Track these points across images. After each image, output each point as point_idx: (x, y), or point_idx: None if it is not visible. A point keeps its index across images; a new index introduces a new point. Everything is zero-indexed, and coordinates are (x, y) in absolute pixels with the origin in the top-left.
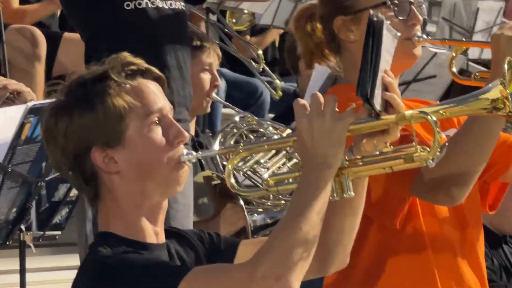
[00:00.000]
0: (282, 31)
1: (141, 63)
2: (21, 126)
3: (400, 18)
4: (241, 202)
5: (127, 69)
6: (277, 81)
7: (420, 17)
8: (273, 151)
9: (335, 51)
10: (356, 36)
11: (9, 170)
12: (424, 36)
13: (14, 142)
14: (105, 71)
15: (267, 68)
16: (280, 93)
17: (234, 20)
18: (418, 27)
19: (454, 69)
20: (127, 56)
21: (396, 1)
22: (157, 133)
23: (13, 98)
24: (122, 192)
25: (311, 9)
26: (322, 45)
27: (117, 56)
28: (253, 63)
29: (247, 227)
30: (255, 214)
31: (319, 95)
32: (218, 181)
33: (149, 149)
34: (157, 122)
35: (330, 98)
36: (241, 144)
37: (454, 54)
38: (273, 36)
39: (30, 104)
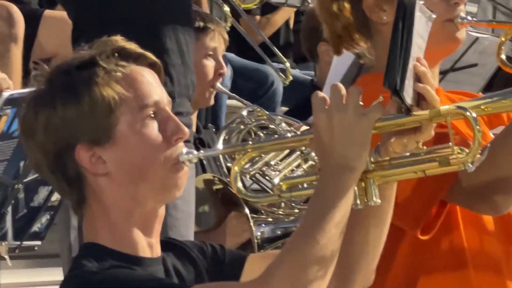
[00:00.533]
0: (295, 9)
1: (134, 47)
2: None
3: None
4: (247, 211)
5: (117, 54)
6: (287, 64)
7: None
8: (286, 151)
9: (365, 34)
10: (390, 17)
11: None
12: (469, 18)
13: None
14: (93, 57)
15: (277, 51)
16: (290, 77)
17: None
18: (462, 7)
19: (503, 56)
20: (118, 39)
21: None
22: (153, 128)
23: None
24: (111, 197)
25: None
26: (350, 28)
27: (107, 40)
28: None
29: (252, 240)
30: (263, 225)
31: (340, 86)
32: (221, 186)
33: (142, 147)
34: (153, 116)
35: (354, 90)
36: (250, 143)
37: (503, 39)
38: (285, 15)
39: (6, 93)
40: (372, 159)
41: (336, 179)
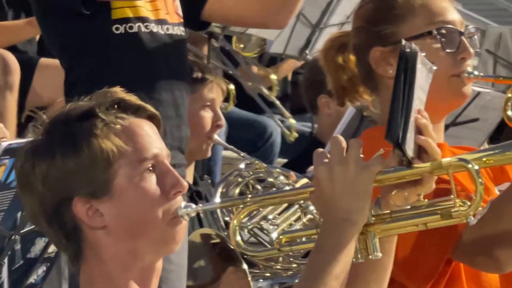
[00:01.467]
0: (300, 62)
1: (134, 99)
2: None
3: (448, 50)
4: (245, 266)
5: (117, 106)
6: (291, 120)
7: (472, 50)
8: (283, 206)
9: (371, 87)
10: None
11: None
12: (475, 73)
13: None
14: (92, 108)
15: (278, 103)
16: (295, 134)
17: (242, 46)
18: (469, 62)
19: (510, 113)
20: (117, 91)
21: (444, 31)
22: (151, 182)
23: None
24: (108, 250)
25: (343, 38)
26: (355, 80)
27: (106, 91)
28: (265, 91)
29: None
30: (261, 280)
31: (341, 138)
32: (218, 240)
33: (141, 201)
34: (151, 169)
35: (354, 143)
36: (249, 196)
37: (510, 95)
38: (291, 66)
39: (4, 143)
40: (372, 212)
41: (337, 232)
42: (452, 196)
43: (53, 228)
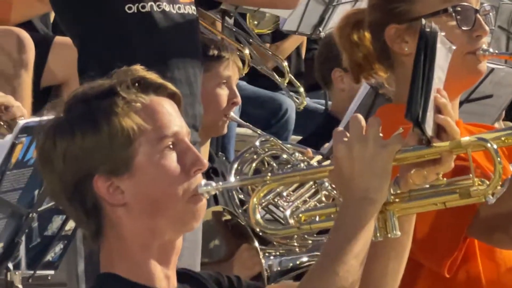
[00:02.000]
0: (304, 37)
1: (155, 78)
2: (11, 148)
3: (464, 28)
4: (256, 244)
5: (137, 84)
6: (301, 89)
7: (487, 28)
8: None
9: (386, 65)
10: (412, 48)
11: None
12: (491, 50)
13: (2, 166)
14: (112, 87)
15: (292, 78)
16: (305, 102)
17: (255, 22)
18: (484, 39)
19: None
20: (138, 69)
21: (459, 8)
22: (171, 160)
23: (0, 114)
24: (128, 228)
25: (358, 15)
26: (371, 57)
27: (127, 69)
28: (277, 77)
29: (262, 273)
30: (272, 258)
31: (360, 117)
32: (229, 217)
33: (161, 178)
34: (171, 147)
35: (374, 121)
36: (269, 174)
37: None
38: (295, 43)
39: (21, 121)
40: (392, 191)
41: (356, 211)
42: (470, 175)
43: (74, 206)
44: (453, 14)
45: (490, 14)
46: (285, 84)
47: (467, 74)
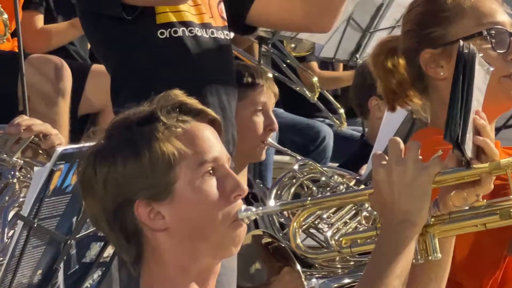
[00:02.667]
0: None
1: (195, 103)
2: (50, 175)
3: (499, 51)
4: (298, 267)
5: (178, 109)
6: (341, 110)
7: None
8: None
9: (421, 90)
10: (447, 73)
11: (35, 226)
12: None
13: (41, 193)
14: (153, 112)
15: (331, 98)
16: (345, 124)
17: (292, 45)
18: None
19: None
20: (178, 94)
21: (494, 32)
22: (211, 185)
23: (38, 141)
24: (169, 253)
25: (392, 43)
26: (405, 84)
27: (167, 94)
28: (307, 93)
29: None
30: (314, 280)
31: (399, 140)
32: (270, 240)
33: (201, 204)
34: (211, 172)
35: (413, 144)
36: (309, 199)
37: None
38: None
39: (59, 148)
40: (432, 213)
41: (397, 234)
42: (511, 196)
43: (114, 231)
44: (488, 37)
45: None
46: (315, 98)
47: (502, 97)
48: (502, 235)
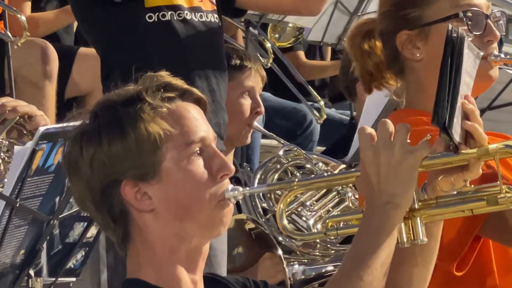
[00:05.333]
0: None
1: (180, 83)
2: (32, 154)
3: (475, 33)
4: (280, 252)
5: (163, 90)
6: (321, 102)
7: (498, 33)
8: (321, 192)
9: (397, 72)
10: (423, 54)
11: (17, 205)
12: (502, 56)
13: (23, 173)
14: (138, 93)
15: (312, 90)
16: (324, 116)
17: (276, 36)
18: (495, 45)
19: None
20: (164, 75)
21: (470, 14)
22: (198, 165)
23: (23, 122)
24: (156, 233)
25: (369, 25)
26: (381, 66)
27: (153, 75)
28: (261, 58)
29: (286, 281)
30: (296, 266)
31: (389, 123)
32: (252, 225)
33: (188, 184)
34: (198, 152)
35: (402, 128)
36: (296, 180)
37: None
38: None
39: (42, 128)
40: (419, 197)
41: (381, 215)
42: (498, 182)
43: (101, 212)
44: (464, 19)
45: (501, 21)
46: (268, 64)
47: (478, 79)
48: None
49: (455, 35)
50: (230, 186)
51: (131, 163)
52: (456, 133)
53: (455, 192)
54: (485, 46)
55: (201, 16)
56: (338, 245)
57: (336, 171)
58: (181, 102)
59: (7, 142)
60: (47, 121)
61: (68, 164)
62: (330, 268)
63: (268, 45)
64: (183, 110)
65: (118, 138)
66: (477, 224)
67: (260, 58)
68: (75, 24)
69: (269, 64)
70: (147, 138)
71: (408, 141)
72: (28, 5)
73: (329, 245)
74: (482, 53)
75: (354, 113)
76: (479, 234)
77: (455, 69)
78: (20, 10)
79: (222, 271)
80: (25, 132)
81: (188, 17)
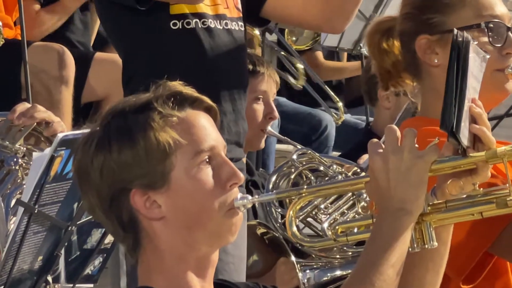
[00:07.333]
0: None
1: (191, 92)
2: (50, 161)
3: (495, 45)
4: (293, 258)
5: (173, 99)
6: (340, 104)
7: None
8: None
9: (413, 74)
10: (441, 60)
11: (35, 212)
12: None
13: (41, 179)
14: (149, 101)
15: (330, 91)
16: (343, 117)
17: (294, 38)
18: None
19: None
20: (175, 84)
21: (492, 25)
22: (207, 174)
23: (41, 129)
24: (165, 241)
25: (389, 23)
26: (399, 66)
27: (165, 84)
28: (292, 80)
29: (300, 287)
30: (309, 271)
31: (395, 128)
32: (264, 230)
33: (197, 193)
34: (208, 161)
35: (409, 132)
36: (305, 187)
37: None
38: (352, 72)
39: (61, 135)
40: (428, 202)
41: (392, 221)
42: (507, 185)
43: (110, 219)
44: (486, 30)
45: None
46: (300, 86)
47: (493, 90)
48: (489, 229)
49: (460, 39)
50: (239, 195)
51: (140, 171)
52: (464, 137)
53: (465, 196)
54: (503, 58)
55: (226, 24)
56: (355, 246)
57: (350, 173)
58: (191, 110)
59: (24, 149)
60: (64, 128)
61: (78, 171)
62: (343, 271)
63: (299, 65)
64: (192, 119)
65: (128, 146)
66: (487, 241)
67: (291, 79)
68: (94, 30)
69: (299, 86)
70: (156, 146)
71: (416, 145)
72: (37, 8)
73: (345, 247)
74: (488, 56)
75: (371, 119)
76: (491, 252)
77: (461, 73)
78: (31, 11)
79: (241, 277)
80: (42, 139)
81: (212, 25)
